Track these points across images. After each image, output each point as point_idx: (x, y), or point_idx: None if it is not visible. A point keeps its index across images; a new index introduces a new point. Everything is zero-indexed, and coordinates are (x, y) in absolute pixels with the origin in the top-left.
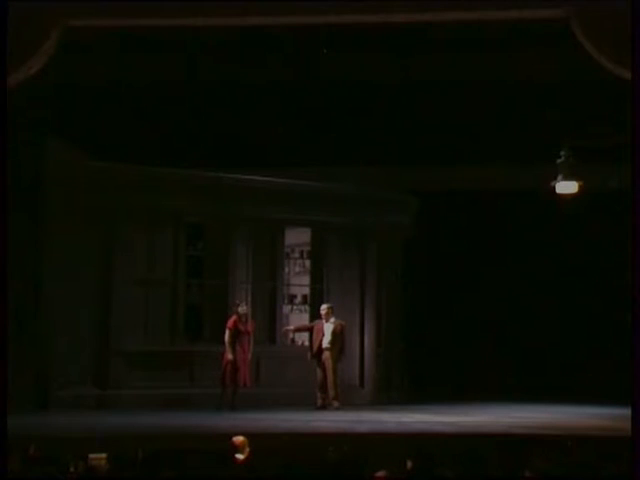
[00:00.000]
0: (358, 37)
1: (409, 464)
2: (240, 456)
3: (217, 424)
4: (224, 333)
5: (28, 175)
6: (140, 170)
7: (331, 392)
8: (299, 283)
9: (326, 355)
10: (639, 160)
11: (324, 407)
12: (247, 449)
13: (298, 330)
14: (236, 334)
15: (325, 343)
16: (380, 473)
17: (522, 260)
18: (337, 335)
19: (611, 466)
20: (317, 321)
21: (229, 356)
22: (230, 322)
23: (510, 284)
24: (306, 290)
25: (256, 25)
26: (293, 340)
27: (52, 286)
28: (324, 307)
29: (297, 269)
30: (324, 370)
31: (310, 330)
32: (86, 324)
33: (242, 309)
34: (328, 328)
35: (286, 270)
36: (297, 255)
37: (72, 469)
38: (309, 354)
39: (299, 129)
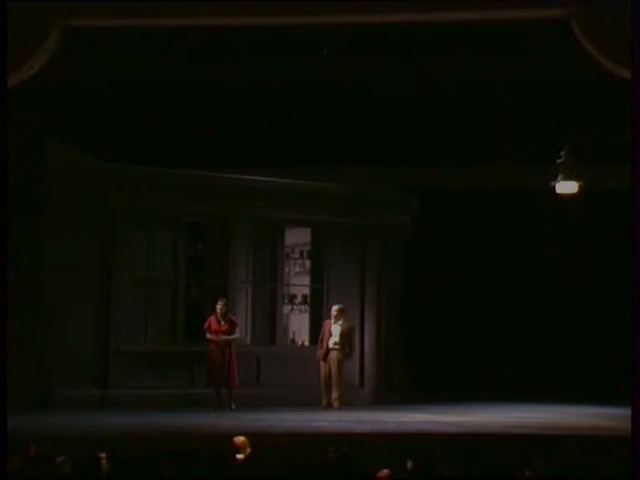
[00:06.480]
0: (358, 37)
1: (409, 464)
2: (240, 456)
3: (217, 424)
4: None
5: (28, 175)
6: (140, 170)
7: (334, 393)
8: (299, 283)
9: (332, 355)
10: (639, 160)
11: (328, 407)
12: (247, 449)
13: (323, 349)
14: (211, 335)
15: (331, 344)
16: (384, 472)
17: (522, 260)
18: (345, 336)
19: (611, 466)
20: (325, 322)
21: (210, 357)
22: (206, 324)
23: (510, 284)
24: (306, 290)
25: (256, 25)
26: (293, 340)
27: (52, 286)
28: (335, 308)
29: (297, 269)
30: (329, 370)
31: (322, 337)
32: (86, 324)
33: (218, 306)
34: (336, 329)
35: (286, 270)
36: (297, 255)
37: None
38: (318, 354)
39: (299, 129)
